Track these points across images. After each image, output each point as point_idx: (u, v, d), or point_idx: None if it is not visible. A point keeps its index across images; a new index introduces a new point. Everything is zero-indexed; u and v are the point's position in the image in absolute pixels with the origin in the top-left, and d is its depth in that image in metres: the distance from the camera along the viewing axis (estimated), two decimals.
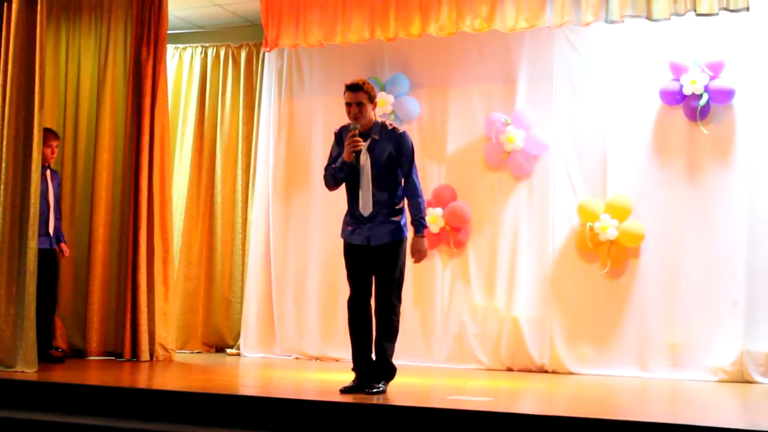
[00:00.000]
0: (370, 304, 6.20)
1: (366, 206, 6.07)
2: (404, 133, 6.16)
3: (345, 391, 6.03)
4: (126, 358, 8.27)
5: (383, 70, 9.20)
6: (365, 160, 6.06)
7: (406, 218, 6.18)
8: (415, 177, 6.15)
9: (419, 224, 6.08)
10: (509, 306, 8.56)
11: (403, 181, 6.16)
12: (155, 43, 8.57)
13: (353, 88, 6.05)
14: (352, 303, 6.19)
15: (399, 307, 6.16)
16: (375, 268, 6.13)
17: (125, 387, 6.32)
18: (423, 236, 6.09)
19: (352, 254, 6.21)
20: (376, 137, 6.10)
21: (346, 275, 6.25)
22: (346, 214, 6.28)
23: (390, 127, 6.15)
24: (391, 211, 6.11)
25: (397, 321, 6.16)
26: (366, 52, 9.17)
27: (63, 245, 8.06)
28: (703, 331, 7.93)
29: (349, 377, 6.25)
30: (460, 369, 8.44)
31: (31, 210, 7.07)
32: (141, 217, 8.37)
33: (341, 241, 9.18)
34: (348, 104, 6.07)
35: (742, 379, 7.71)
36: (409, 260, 6.19)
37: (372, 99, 6.10)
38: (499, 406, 5.59)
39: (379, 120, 6.20)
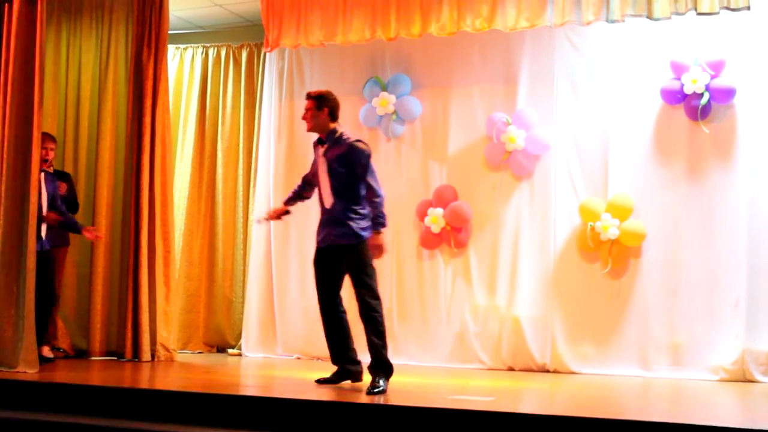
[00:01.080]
0: (337, 302, 6.67)
1: (327, 199, 6.51)
2: (353, 143, 6.47)
3: (320, 382, 6.60)
4: (127, 359, 8.28)
5: (385, 70, 9.21)
6: (322, 164, 6.53)
7: (368, 222, 6.45)
8: (371, 180, 6.44)
9: (376, 222, 6.37)
10: (511, 306, 8.57)
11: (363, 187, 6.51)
12: (156, 43, 8.58)
13: (306, 96, 6.67)
14: (319, 303, 6.70)
15: (377, 304, 6.41)
16: (341, 269, 6.56)
17: (127, 387, 6.33)
18: (380, 233, 6.36)
19: (316, 256, 6.71)
20: (329, 145, 6.55)
21: None
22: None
23: (342, 137, 6.52)
24: (349, 216, 6.44)
25: (380, 317, 6.39)
26: (367, 52, 9.18)
27: (89, 228, 8.04)
28: (704, 330, 7.94)
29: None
30: (462, 368, 8.45)
31: (30, 210, 7.07)
32: (142, 218, 8.38)
33: None
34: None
35: (743, 378, 7.72)
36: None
37: (322, 107, 6.53)
38: (500, 405, 5.59)
39: (338, 129, 6.58)
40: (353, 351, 6.71)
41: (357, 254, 6.39)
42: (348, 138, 6.51)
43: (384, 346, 6.36)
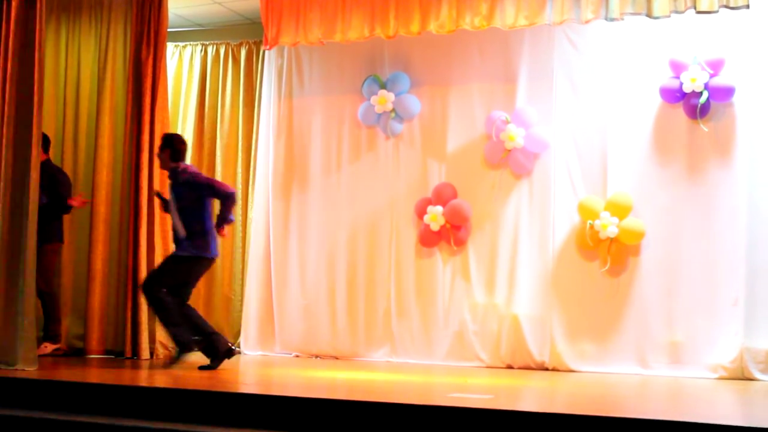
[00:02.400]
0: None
1: (180, 230, 7.65)
2: (186, 177, 7.69)
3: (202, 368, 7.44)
4: (127, 356, 8.29)
5: (384, 67, 9.21)
6: (170, 197, 7.72)
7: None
8: (216, 187, 7.79)
9: (221, 219, 7.73)
10: (509, 304, 8.57)
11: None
12: (155, 41, 8.58)
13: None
14: (174, 298, 7.69)
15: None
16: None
17: (126, 385, 6.33)
18: (222, 228, 7.78)
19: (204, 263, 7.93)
20: (170, 181, 7.80)
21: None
22: None
23: (178, 170, 7.73)
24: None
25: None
26: (366, 50, 9.18)
27: (75, 198, 8.36)
28: (703, 328, 7.94)
29: (348, 374, 6.27)
30: (461, 366, 8.46)
31: (30, 208, 7.07)
32: (141, 216, 8.38)
33: (341, 239, 9.29)
34: None
35: (741, 376, 7.72)
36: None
37: (164, 149, 7.80)
38: (499, 403, 5.60)
39: (174, 166, 7.77)
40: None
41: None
42: (181, 173, 7.74)
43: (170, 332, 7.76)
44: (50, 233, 8.18)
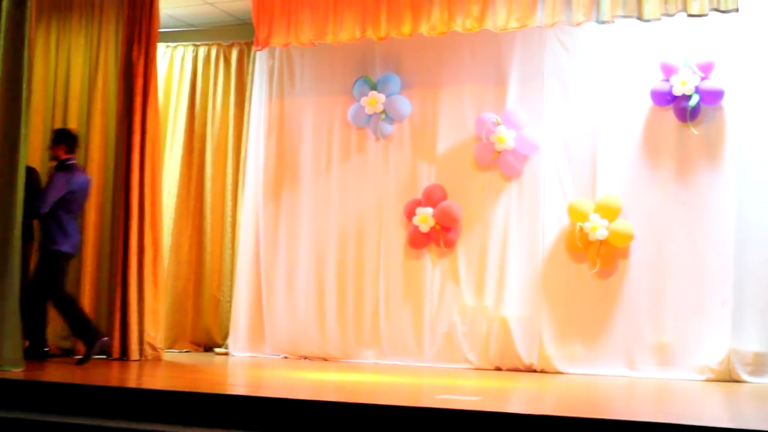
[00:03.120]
0: None
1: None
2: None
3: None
4: (115, 357, 8.26)
5: (374, 69, 9.22)
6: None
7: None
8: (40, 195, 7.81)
9: None
10: (498, 306, 8.59)
11: None
12: (146, 41, 8.55)
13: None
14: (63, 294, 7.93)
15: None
16: None
17: (114, 386, 6.32)
18: None
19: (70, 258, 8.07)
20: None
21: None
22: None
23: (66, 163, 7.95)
24: None
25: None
26: (357, 52, 9.19)
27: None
28: (691, 330, 7.98)
29: (337, 376, 6.26)
30: (449, 368, 8.47)
31: (16, 209, 7.05)
32: (132, 217, 8.36)
33: (330, 240, 9.29)
34: None
35: (729, 378, 7.75)
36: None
37: (59, 143, 8.03)
38: (487, 405, 5.60)
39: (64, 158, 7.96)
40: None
41: None
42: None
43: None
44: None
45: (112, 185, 8.65)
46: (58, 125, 8.89)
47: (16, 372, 6.75)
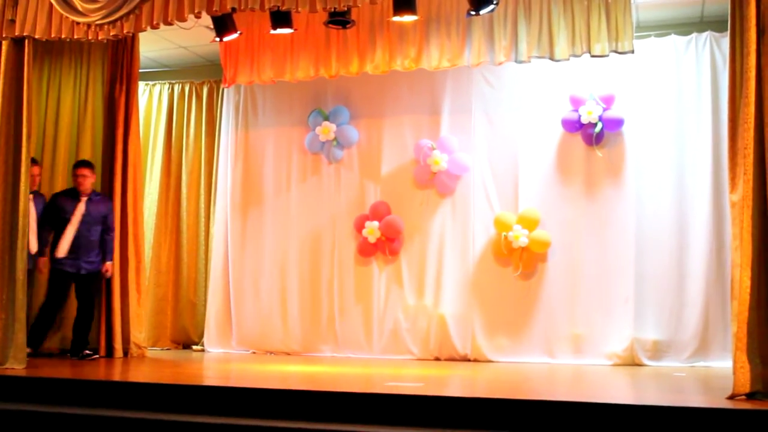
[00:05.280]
0: None
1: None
2: None
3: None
4: (101, 356, 8.12)
5: (326, 102, 9.22)
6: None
7: None
8: None
9: None
10: (437, 305, 8.61)
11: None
12: (128, 80, 8.45)
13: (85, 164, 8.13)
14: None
15: None
16: None
17: (104, 380, 6.27)
18: None
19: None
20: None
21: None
22: None
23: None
24: None
25: None
26: (312, 88, 9.17)
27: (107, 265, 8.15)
28: (600, 323, 8.06)
29: (298, 368, 6.23)
30: (395, 359, 8.47)
31: (20, 227, 6.96)
32: (116, 233, 8.26)
33: (290, 250, 9.28)
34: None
35: (632, 362, 7.86)
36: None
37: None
38: (429, 390, 5.63)
39: None
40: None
41: None
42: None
43: None
44: None
45: None
46: (47, 155, 8.74)
47: (18, 369, 6.68)
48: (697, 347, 7.83)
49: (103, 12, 6.92)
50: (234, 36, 7.58)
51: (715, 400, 5.23)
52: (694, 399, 5.61)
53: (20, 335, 6.90)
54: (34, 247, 7.73)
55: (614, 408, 4.84)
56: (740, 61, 5.68)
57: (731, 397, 5.24)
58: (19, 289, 6.92)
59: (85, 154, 8.59)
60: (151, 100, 9.97)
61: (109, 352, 8.14)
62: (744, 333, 5.25)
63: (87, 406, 5.52)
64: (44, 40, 7.21)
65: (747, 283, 5.27)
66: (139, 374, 6.84)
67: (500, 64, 7.68)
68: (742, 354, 5.24)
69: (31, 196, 7.51)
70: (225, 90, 9.54)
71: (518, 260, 8.33)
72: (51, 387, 5.92)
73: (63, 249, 7.93)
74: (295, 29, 7.62)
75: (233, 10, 6.62)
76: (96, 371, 6.91)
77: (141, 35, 8.24)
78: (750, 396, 5.21)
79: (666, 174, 8.08)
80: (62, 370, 6.83)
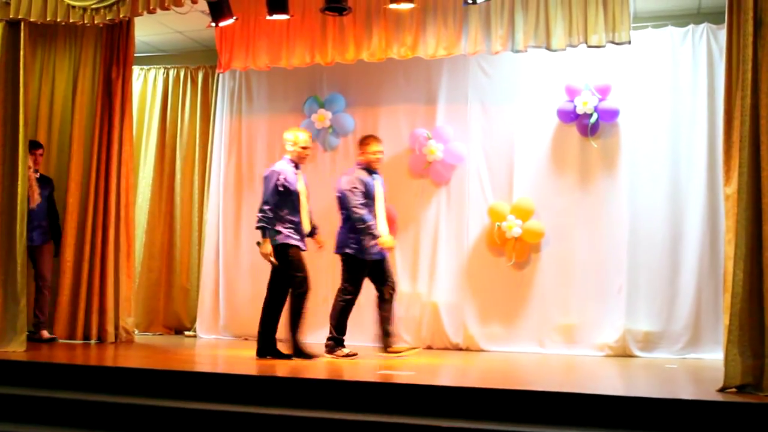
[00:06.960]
0: None
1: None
2: None
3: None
4: (93, 341, 8.11)
5: (322, 90, 9.19)
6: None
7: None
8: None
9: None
10: (430, 293, 8.62)
11: None
12: (123, 64, 8.42)
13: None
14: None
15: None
16: None
17: (96, 365, 6.26)
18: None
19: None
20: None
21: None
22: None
23: None
24: None
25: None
26: (307, 75, 9.15)
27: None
28: (592, 313, 8.09)
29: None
30: None
31: (19, 211, 6.94)
32: (109, 217, 8.21)
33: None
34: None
35: (624, 353, 7.88)
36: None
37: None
38: (420, 379, 5.63)
39: None
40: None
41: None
42: None
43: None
44: (49, 235, 8.25)
45: (92, 189, 8.44)
46: (41, 137, 8.70)
47: (19, 352, 6.74)
48: (688, 339, 7.85)
49: None
50: (230, 21, 7.56)
51: (706, 392, 5.25)
52: (685, 391, 5.63)
53: (21, 320, 6.97)
54: None
55: (605, 399, 4.85)
56: (737, 53, 5.68)
57: (722, 390, 5.25)
58: (20, 275, 6.94)
59: (79, 138, 8.54)
60: (146, 85, 9.94)
61: (100, 337, 8.14)
62: (736, 325, 5.26)
63: (81, 390, 5.53)
64: (39, 23, 7.17)
65: (740, 275, 5.27)
66: (128, 359, 6.80)
67: (497, 53, 7.67)
68: (733, 346, 5.25)
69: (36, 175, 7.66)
70: (220, 75, 9.51)
71: (512, 250, 8.34)
72: (47, 371, 5.94)
73: None
74: (291, 15, 7.60)
75: None
76: (92, 355, 6.95)
77: (136, 19, 8.19)
78: (740, 388, 5.22)
79: (661, 165, 8.08)
80: (60, 355, 6.81)
